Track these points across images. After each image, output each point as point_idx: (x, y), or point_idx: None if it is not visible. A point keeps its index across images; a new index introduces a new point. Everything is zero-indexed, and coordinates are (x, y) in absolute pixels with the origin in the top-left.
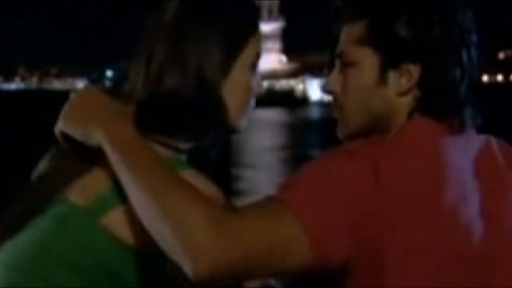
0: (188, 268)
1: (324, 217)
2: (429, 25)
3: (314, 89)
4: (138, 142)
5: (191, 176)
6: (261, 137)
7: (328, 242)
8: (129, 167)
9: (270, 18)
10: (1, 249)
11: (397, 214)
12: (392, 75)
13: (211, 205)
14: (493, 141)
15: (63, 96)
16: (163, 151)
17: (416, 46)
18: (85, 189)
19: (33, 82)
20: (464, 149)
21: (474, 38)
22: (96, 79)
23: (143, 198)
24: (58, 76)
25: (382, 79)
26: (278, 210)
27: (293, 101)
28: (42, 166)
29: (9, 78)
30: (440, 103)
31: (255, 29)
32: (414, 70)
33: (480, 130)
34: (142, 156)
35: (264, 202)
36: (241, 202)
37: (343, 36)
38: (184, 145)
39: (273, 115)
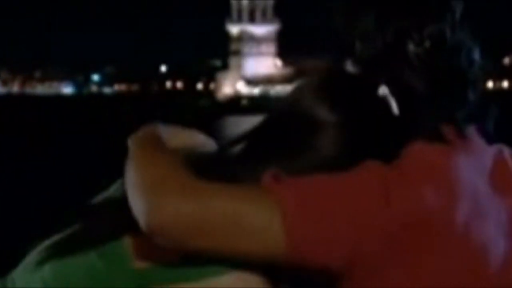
0: (142, 217)
1: (311, 215)
2: (373, 40)
3: None
4: (153, 136)
5: None
6: None
7: (307, 241)
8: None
9: (265, 20)
10: (49, 264)
11: (403, 234)
12: None
13: (190, 171)
14: (506, 151)
15: (47, 101)
16: None
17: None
18: (147, 250)
19: (16, 86)
20: (474, 163)
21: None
22: (82, 83)
23: (132, 165)
24: (42, 80)
25: None
26: (257, 192)
27: None
28: (113, 192)
29: None
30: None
31: None
32: None
33: (487, 139)
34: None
35: (246, 184)
36: None
37: None
38: None
39: None
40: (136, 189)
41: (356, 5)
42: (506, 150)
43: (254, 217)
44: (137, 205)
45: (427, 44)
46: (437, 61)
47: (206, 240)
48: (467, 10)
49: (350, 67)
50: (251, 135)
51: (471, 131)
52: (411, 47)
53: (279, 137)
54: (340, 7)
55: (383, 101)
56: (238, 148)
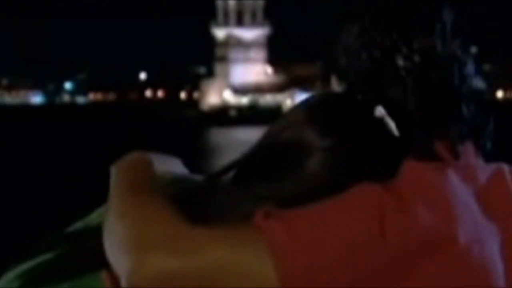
0: (126, 277)
1: (305, 251)
2: (357, 51)
3: None
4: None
5: None
6: None
7: (302, 281)
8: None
9: (254, 23)
10: None
11: (402, 257)
12: None
13: (178, 212)
14: (506, 170)
15: (15, 112)
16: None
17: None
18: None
19: None
20: (466, 182)
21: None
22: (53, 92)
23: (113, 210)
24: (10, 88)
25: None
26: (249, 235)
27: None
28: (93, 220)
29: None
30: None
31: None
32: None
33: (494, 152)
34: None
35: (238, 224)
36: None
37: None
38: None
39: (256, 135)
40: (118, 244)
41: (340, 17)
42: (506, 168)
43: (248, 262)
44: (120, 263)
45: (416, 58)
46: (428, 75)
47: None
48: (462, 21)
49: (335, 83)
50: (241, 163)
51: (467, 148)
52: (399, 61)
53: (269, 164)
54: (326, 18)
55: (380, 122)
56: (228, 176)
